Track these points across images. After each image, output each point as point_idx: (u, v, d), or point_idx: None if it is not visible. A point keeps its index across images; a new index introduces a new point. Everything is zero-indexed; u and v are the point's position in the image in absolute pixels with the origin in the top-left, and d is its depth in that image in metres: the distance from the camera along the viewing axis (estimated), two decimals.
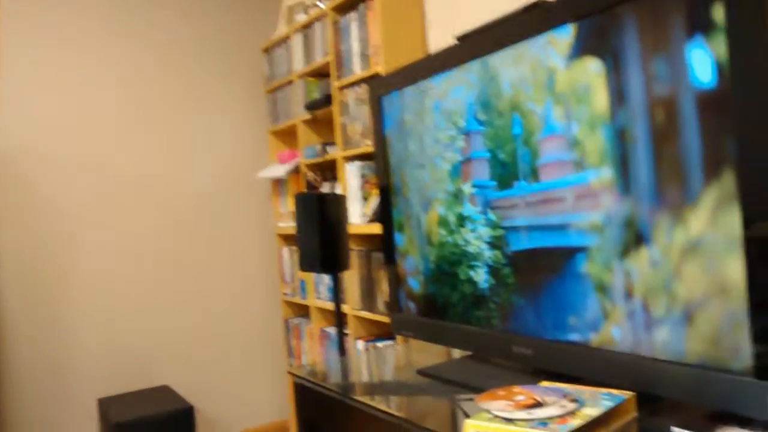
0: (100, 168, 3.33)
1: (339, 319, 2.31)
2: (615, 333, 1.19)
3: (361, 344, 2.81)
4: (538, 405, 1.08)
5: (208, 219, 3.61)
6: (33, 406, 3.15)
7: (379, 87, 1.81)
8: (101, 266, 3.32)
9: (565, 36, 1.23)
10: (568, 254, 1.26)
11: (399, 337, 2.70)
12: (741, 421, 1.05)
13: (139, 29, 3.44)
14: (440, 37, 2.63)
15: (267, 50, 3.62)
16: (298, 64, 3.25)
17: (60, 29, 3.24)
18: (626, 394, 1.11)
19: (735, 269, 0.98)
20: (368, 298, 2.75)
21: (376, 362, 1.75)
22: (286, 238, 3.67)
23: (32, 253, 3.17)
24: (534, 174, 1.31)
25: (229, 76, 3.67)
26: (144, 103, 3.44)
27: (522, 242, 1.36)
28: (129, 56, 3.41)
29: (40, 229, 3.19)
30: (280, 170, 3.38)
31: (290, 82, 3.37)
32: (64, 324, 3.23)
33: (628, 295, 1.15)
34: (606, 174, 1.17)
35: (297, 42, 3.25)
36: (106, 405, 3.09)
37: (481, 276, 1.48)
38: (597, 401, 1.08)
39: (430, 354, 1.79)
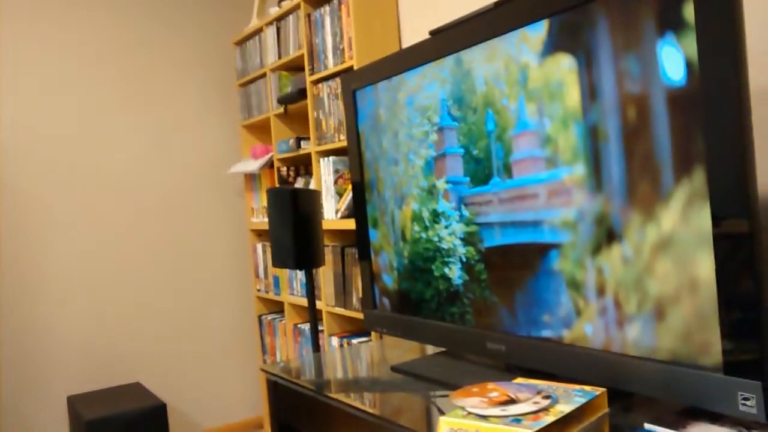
0: (71, 163, 3.27)
1: (313, 315, 2.29)
2: (587, 329, 1.19)
3: (335, 341, 2.80)
4: (511, 402, 1.08)
5: (180, 214, 3.56)
6: (2, 403, 3.09)
7: (353, 81, 1.79)
8: (71, 262, 3.27)
9: (538, 32, 1.23)
10: (542, 251, 1.26)
11: (373, 334, 2.69)
12: (711, 417, 1.06)
13: (109, 23, 3.37)
14: (414, 32, 2.62)
15: (239, 43, 3.58)
16: (271, 58, 3.22)
17: (30, 23, 3.17)
18: (598, 391, 1.11)
19: (705, 266, 0.99)
20: (342, 295, 2.74)
21: (351, 359, 1.74)
22: (260, 234, 3.64)
23: (3, 247, 3.11)
24: (507, 170, 1.31)
25: (200, 70, 3.62)
26: (114, 97, 3.39)
27: (496, 239, 1.36)
28: (98, 51, 3.35)
29: (12, 224, 3.13)
30: (253, 165, 3.35)
31: (263, 76, 3.34)
32: (34, 320, 3.17)
33: (601, 292, 1.16)
34: (578, 171, 1.17)
35: (270, 35, 3.22)
36: (76, 402, 3.04)
37: (455, 272, 1.48)
38: (570, 398, 1.09)
39: (404, 350, 1.79)
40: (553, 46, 1.20)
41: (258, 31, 3.35)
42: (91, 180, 3.32)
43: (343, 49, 2.64)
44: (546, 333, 1.27)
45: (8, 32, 3.14)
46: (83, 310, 3.29)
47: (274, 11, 3.18)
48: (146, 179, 3.47)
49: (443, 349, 1.72)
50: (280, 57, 3.16)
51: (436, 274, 1.53)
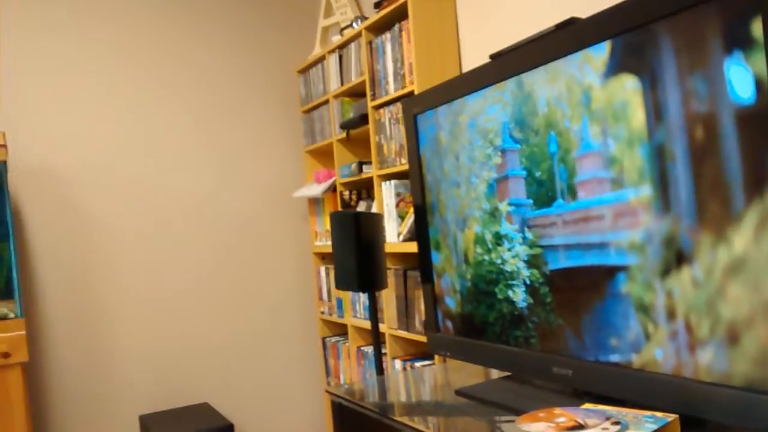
0: (140, 188, 3.40)
1: (376, 338, 2.31)
2: (658, 354, 1.16)
3: (398, 363, 2.80)
4: (580, 427, 1.06)
5: (246, 237, 3.65)
6: (77, 422, 3.20)
7: (414, 106, 1.82)
8: (141, 284, 3.38)
9: (600, 53, 1.22)
10: (608, 273, 1.24)
11: (437, 357, 2.68)
12: None
13: (179, 51, 3.51)
14: (474, 56, 2.64)
15: (302, 71, 3.67)
16: (334, 85, 3.28)
17: (104, 51, 3.33)
18: (670, 417, 1.08)
19: None
20: (405, 317, 2.74)
21: (414, 382, 1.74)
22: (323, 257, 3.69)
23: (76, 269, 3.24)
24: (572, 192, 1.30)
25: (265, 98, 3.72)
26: (183, 123, 3.51)
27: (560, 261, 1.35)
28: (168, 78, 3.48)
29: (84, 247, 3.26)
30: (316, 189, 3.41)
31: (326, 102, 3.41)
32: (107, 340, 3.29)
33: (671, 315, 1.13)
34: (645, 192, 1.16)
35: (332, 63, 3.29)
36: (147, 421, 3.12)
37: (519, 295, 1.47)
38: (640, 424, 1.06)
39: (468, 374, 1.78)
40: (616, 66, 1.19)
41: (321, 59, 3.43)
42: (159, 204, 3.44)
43: (403, 75, 2.68)
44: (614, 357, 1.25)
45: (80, 60, 3.30)
46: (153, 331, 3.39)
47: (337, 39, 3.25)
48: (213, 203, 3.57)
49: (508, 373, 1.70)
50: (342, 83, 3.22)
51: (500, 296, 1.53)
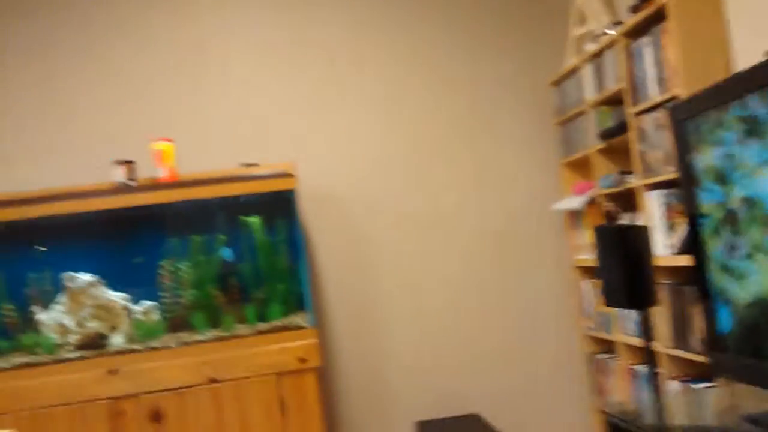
0: (405, 205, 3.64)
1: (650, 357, 2.22)
2: None
3: (675, 385, 2.65)
4: None
5: (504, 251, 3.71)
6: (359, 422, 3.51)
7: (681, 111, 1.73)
8: (412, 296, 3.61)
9: None
10: None
11: (721, 379, 2.49)
12: None
13: (430, 69, 3.70)
14: (747, 55, 2.42)
15: (556, 83, 3.65)
16: (590, 94, 3.22)
17: (368, 80, 3.64)
18: None
19: None
20: (680, 336, 2.59)
21: (695, 405, 1.65)
22: (585, 271, 3.62)
23: (355, 284, 3.57)
24: None
25: (518, 111, 3.76)
26: (438, 139, 3.69)
27: None
28: (422, 97, 3.69)
29: (361, 263, 3.58)
30: (575, 202, 3.36)
31: (582, 113, 3.35)
32: (385, 349, 3.56)
33: None
34: None
35: (587, 72, 3.23)
36: (424, 428, 3.31)
37: None
38: None
39: (759, 399, 1.64)
40: None
41: (575, 69, 3.39)
42: (422, 220, 3.65)
43: (666, 79, 2.55)
44: None
45: (351, 95, 3.63)
46: (424, 341, 3.60)
47: (591, 47, 3.19)
48: (469, 218, 3.69)
49: None
50: (598, 92, 3.15)
51: None
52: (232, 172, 3.17)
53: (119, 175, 3.03)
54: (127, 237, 3.21)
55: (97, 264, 3.09)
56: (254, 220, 3.11)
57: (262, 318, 3.04)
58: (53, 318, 2.90)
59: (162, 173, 3.06)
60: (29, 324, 2.97)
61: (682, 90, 2.45)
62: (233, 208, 3.25)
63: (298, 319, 2.98)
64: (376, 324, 3.58)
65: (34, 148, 3.41)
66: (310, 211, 3.57)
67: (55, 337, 2.86)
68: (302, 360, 2.82)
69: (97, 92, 3.46)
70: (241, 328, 2.94)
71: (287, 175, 3.00)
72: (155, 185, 2.94)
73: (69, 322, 2.88)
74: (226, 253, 3.16)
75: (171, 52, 3.52)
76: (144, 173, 3.32)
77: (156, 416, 2.74)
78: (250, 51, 3.57)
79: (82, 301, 2.89)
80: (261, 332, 2.87)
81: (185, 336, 2.92)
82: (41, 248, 3.10)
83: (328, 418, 3.51)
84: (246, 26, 3.58)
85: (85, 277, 2.90)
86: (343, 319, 3.55)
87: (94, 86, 3.46)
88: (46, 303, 2.99)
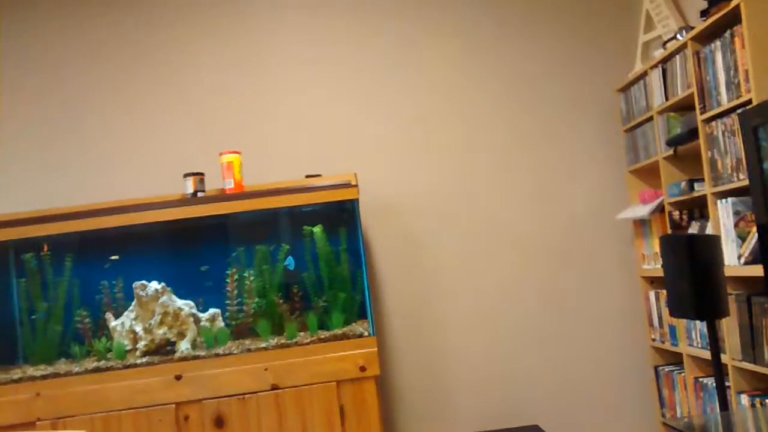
0: (465, 213, 3.62)
1: (718, 370, 2.14)
2: None
3: (745, 399, 2.55)
4: None
5: (568, 261, 3.65)
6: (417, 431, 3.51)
7: (753, 117, 1.68)
8: (471, 306, 3.59)
9: None
10: None
11: None
12: None
13: (490, 76, 3.68)
14: None
15: (622, 90, 3.58)
16: (658, 100, 3.15)
17: (421, 88, 3.66)
18: None
19: None
20: (751, 348, 2.49)
21: (764, 420, 1.58)
22: (653, 281, 3.52)
23: (415, 293, 3.58)
24: None
25: (584, 118, 3.70)
26: (501, 147, 3.66)
27: None
28: (485, 103, 3.67)
29: (421, 272, 3.58)
30: (642, 210, 3.28)
31: (649, 119, 3.27)
32: (443, 358, 3.55)
33: None
34: None
35: (655, 77, 3.16)
36: None
37: None
38: None
39: None
40: None
41: (642, 75, 3.31)
42: (482, 229, 3.63)
43: (738, 84, 2.47)
44: None
45: (407, 108, 3.65)
46: (483, 351, 3.57)
47: (659, 53, 3.12)
48: (533, 226, 3.65)
49: None
50: (666, 99, 3.07)
51: None
52: (296, 183, 3.23)
53: (189, 186, 3.14)
54: (195, 246, 3.31)
55: (166, 272, 3.19)
56: (317, 230, 3.16)
57: (324, 326, 3.08)
58: (124, 324, 3.01)
59: (229, 185, 3.14)
60: (102, 330, 3.09)
61: (754, 95, 2.37)
62: (297, 217, 3.31)
63: (358, 327, 3.01)
64: (434, 332, 3.57)
65: (111, 162, 3.56)
66: (370, 220, 3.60)
67: (126, 343, 2.97)
68: (362, 368, 2.84)
69: (170, 111, 3.60)
70: (303, 336, 2.98)
71: (349, 186, 3.04)
72: (222, 196, 3.02)
73: (139, 328, 2.98)
74: (290, 262, 3.22)
75: (236, 71, 3.63)
76: (214, 185, 3.42)
77: (219, 421, 2.81)
78: (311, 67, 3.64)
79: (151, 309, 2.99)
80: (322, 340, 2.90)
81: (249, 343, 2.98)
82: (113, 257, 3.22)
83: (387, 426, 3.51)
84: (306, 43, 3.65)
85: (155, 285, 3.00)
86: (403, 328, 3.56)
87: (167, 105, 3.60)
88: (118, 310, 3.11)
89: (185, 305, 3.03)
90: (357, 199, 3.08)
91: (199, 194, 3.13)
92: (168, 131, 3.59)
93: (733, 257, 2.56)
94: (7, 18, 3.60)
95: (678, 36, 2.98)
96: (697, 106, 2.76)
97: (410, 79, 3.66)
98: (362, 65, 3.65)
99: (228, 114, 3.61)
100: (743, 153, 2.33)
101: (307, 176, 3.32)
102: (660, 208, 3.24)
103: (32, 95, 3.58)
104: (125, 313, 3.04)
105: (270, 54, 3.64)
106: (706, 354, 2.86)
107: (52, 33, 3.60)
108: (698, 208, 3.09)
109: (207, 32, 3.63)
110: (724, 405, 2.13)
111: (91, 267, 3.21)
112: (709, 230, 2.81)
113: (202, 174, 3.17)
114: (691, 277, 2.07)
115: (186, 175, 3.14)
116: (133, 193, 3.53)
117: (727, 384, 2.70)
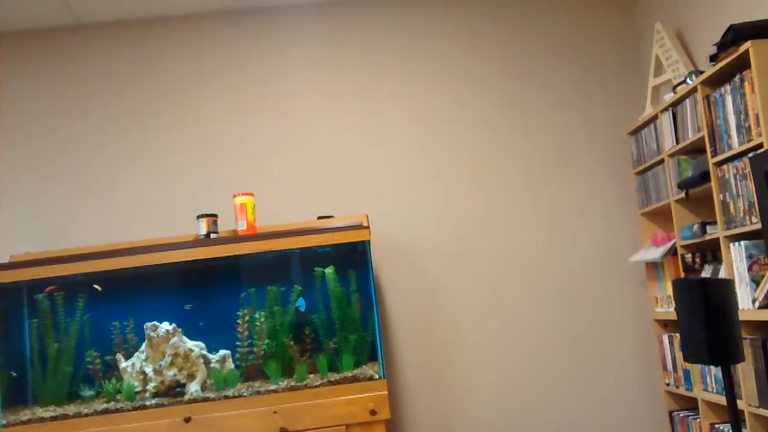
0: (477, 254, 3.62)
1: (734, 417, 2.10)
2: None
3: None
4: None
5: (580, 303, 3.62)
6: None
7: (764, 160, 1.68)
8: (483, 347, 3.55)
9: None
10: None
11: None
12: None
13: (503, 119, 3.71)
14: None
15: (633, 133, 3.59)
16: (668, 143, 3.16)
17: (433, 129, 3.69)
18: None
19: None
20: (767, 394, 2.45)
21: None
22: (666, 324, 3.48)
23: (426, 333, 3.55)
24: None
25: (595, 160, 3.72)
26: (513, 189, 3.67)
27: None
28: (492, 145, 3.69)
29: (432, 313, 3.56)
30: (654, 253, 3.27)
31: (660, 162, 3.28)
32: (456, 401, 3.51)
33: None
34: None
35: (666, 121, 3.17)
36: None
37: None
38: None
39: None
40: None
41: (653, 119, 3.33)
42: (494, 269, 3.62)
43: (749, 127, 2.48)
44: None
45: (417, 154, 3.68)
46: (497, 394, 3.53)
47: (669, 97, 3.14)
48: (545, 267, 3.63)
49: None
50: (677, 142, 3.09)
51: None
52: (308, 224, 3.24)
53: (202, 228, 3.16)
54: (206, 287, 3.32)
55: (177, 313, 3.19)
56: (328, 271, 3.16)
57: (334, 368, 3.05)
58: (135, 365, 3.00)
59: (242, 226, 3.16)
60: (112, 371, 3.08)
61: (765, 139, 2.37)
62: (308, 258, 3.31)
63: (369, 369, 2.98)
64: (445, 374, 3.53)
65: (126, 204, 3.60)
66: (381, 261, 3.60)
67: (136, 384, 2.96)
68: (372, 411, 2.81)
69: (184, 154, 3.65)
70: (313, 379, 2.96)
71: (361, 227, 3.04)
72: (235, 238, 3.04)
73: (149, 369, 2.97)
74: (301, 304, 3.21)
75: (249, 115, 3.68)
76: (227, 226, 3.44)
77: None
78: (322, 109, 3.69)
79: (162, 350, 2.99)
80: (332, 382, 2.88)
81: (258, 385, 2.96)
82: (98, 287, 3.20)
83: None
84: (318, 85, 3.71)
85: (165, 326, 3.00)
86: (413, 370, 3.53)
87: (181, 148, 3.65)
88: (129, 351, 3.10)
89: (196, 346, 3.02)
90: (369, 241, 3.08)
91: (212, 235, 3.15)
92: (182, 174, 3.63)
93: (747, 301, 2.53)
94: (19, 65, 3.68)
95: (688, 80, 3.00)
96: (708, 150, 2.76)
97: (422, 121, 3.70)
98: (373, 106, 3.70)
99: (241, 155, 3.65)
100: (755, 196, 2.33)
101: (319, 217, 3.34)
102: (672, 251, 3.22)
103: (44, 134, 3.64)
104: (135, 353, 3.04)
105: (282, 97, 3.70)
106: (722, 399, 2.81)
107: (61, 76, 3.67)
108: (711, 251, 3.07)
109: (218, 75, 3.70)
110: None
111: (103, 307, 3.22)
112: (722, 273, 2.79)
113: (215, 215, 3.19)
114: (704, 321, 2.05)
115: (199, 217, 3.16)
116: (147, 234, 3.56)
117: (744, 431, 2.65)
